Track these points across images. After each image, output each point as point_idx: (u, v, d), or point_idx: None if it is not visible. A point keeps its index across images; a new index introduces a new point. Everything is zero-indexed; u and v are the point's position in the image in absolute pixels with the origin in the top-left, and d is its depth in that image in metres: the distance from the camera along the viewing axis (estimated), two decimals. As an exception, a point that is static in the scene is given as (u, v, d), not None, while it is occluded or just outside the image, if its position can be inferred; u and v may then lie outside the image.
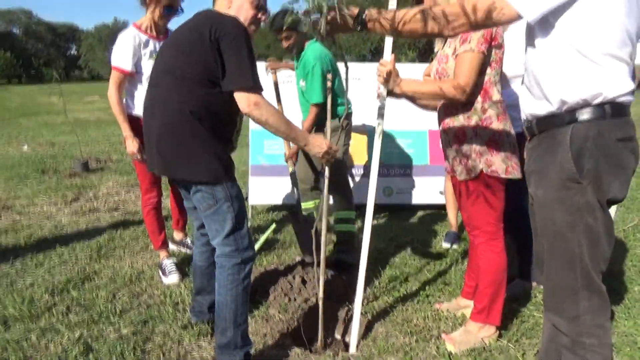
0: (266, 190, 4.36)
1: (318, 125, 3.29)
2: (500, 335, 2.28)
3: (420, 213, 4.39)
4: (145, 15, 2.91)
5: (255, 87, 1.87)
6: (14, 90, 37.81)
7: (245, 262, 2.04)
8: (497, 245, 2.17)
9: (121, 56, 2.83)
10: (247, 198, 4.50)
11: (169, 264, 3.03)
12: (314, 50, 3.14)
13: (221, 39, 1.84)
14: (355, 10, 1.68)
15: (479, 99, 2.05)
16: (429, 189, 4.40)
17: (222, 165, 1.97)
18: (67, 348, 2.19)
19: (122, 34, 2.90)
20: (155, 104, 1.99)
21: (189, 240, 3.44)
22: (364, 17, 1.66)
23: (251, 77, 1.86)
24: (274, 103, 2.89)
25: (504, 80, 2.55)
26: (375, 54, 52.27)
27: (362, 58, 39.84)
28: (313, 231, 2.39)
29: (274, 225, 3.60)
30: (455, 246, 3.58)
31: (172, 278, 2.94)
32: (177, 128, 1.93)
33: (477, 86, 2.03)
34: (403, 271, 3.14)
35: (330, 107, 2.24)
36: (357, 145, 4.28)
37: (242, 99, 1.87)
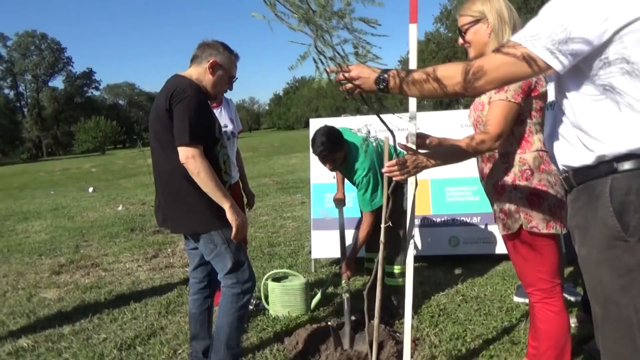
0: (328, 243, 4.37)
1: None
2: (570, 405, 2.04)
3: (489, 264, 4.13)
4: None
5: (192, 142, 2.12)
6: (119, 154, 41.97)
7: (245, 292, 2.30)
8: (555, 303, 1.98)
9: None
10: (309, 252, 4.53)
11: None
12: (358, 160, 3.09)
13: (173, 103, 2.16)
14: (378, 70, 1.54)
15: (518, 149, 1.95)
16: (497, 238, 4.16)
17: (215, 214, 2.21)
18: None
19: None
20: (155, 171, 2.36)
21: None
22: (385, 76, 1.49)
23: (188, 135, 2.12)
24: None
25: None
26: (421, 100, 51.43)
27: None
28: (365, 292, 2.30)
29: (329, 282, 3.57)
30: (527, 301, 3.31)
31: None
32: (174, 191, 2.26)
33: (515, 136, 1.94)
34: (467, 328, 2.95)
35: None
36: (418, 195, 4.20)
37: (181, 152, 2.14)
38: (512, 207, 1.94)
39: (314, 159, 4.46)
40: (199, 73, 2.31)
